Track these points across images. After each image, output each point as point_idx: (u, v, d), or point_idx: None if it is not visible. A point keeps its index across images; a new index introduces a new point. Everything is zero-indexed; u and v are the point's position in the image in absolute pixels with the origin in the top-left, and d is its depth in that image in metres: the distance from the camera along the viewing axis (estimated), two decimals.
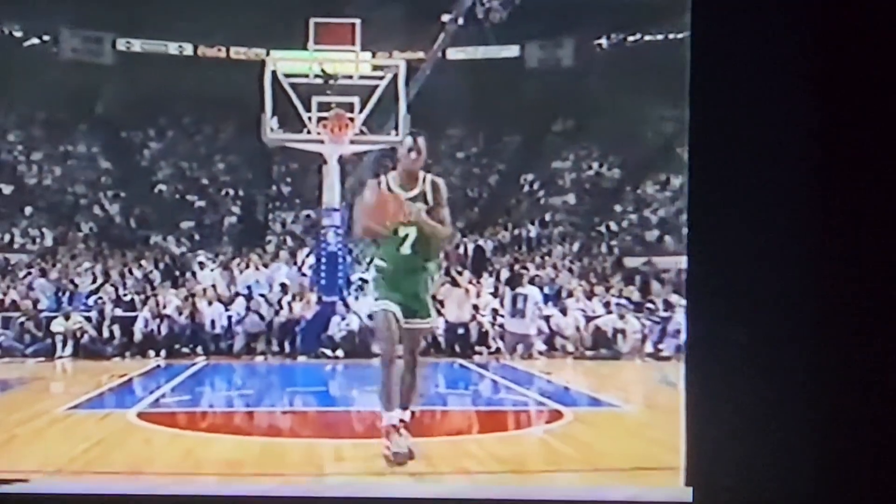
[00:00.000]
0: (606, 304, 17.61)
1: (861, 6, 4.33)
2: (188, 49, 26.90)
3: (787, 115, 4.37)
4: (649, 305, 17.65)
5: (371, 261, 8.03)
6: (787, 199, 4.37)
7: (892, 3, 4.33)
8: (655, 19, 22.17)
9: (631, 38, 23.72)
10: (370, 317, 8.03)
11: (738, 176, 4.41)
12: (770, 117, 4.39)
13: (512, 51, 26.08)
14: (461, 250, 21.14)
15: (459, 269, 19.22)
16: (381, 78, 19.30)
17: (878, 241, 4.31)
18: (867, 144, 4.31)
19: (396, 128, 19.02)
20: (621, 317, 16.79)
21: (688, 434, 4.43)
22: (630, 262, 20.99)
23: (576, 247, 22.38)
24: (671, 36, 22.16)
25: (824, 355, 4.31)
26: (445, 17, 21.96)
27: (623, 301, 17.67)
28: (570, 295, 18.30)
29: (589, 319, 17.45)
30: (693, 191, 4.47)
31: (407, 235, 7.10)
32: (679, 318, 17.12)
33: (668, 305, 17.14)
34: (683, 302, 17.56)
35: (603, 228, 23.12)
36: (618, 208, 23.69)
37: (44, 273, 19.82)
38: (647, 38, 23.24)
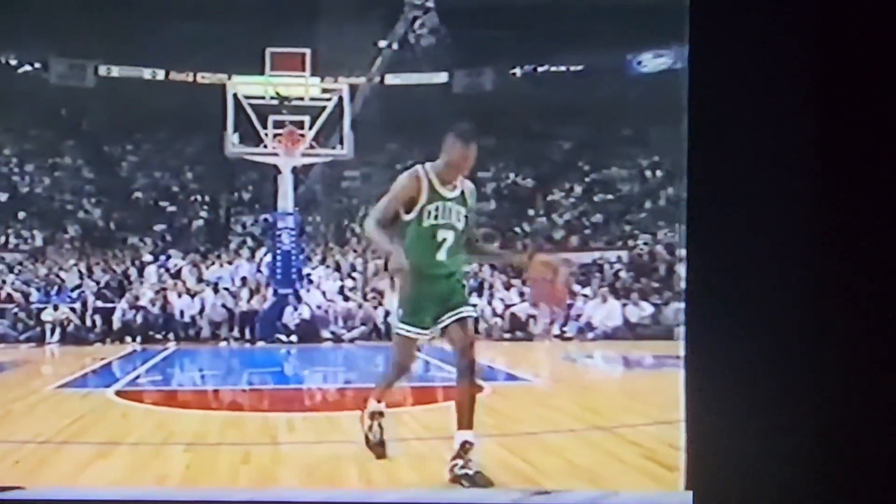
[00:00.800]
0: (521, 294, 17.74)
1: (857, 11, 3.89)
2: (160, 74, 26.68)
3: (785, 115, 3.94)
4: None
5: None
6: (786, 199, 3.96)
7: (889, 5, 3.91)
8: (559, 53, 22.37)
9: (540, 69, 23.86)
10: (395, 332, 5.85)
11: (737, 177, 3.98)
12: (767, 117, 3.96)
13: (441, 77, 26.15)
14: None
15: None
16: (329, 100, 19.43)
17: (877, 243, 3.91)
18: (864, 143, 3.90)
19: (341, 142, 19.34)
20: (533, 304, 16.90)
21: (687, 438, 4.05)
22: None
23: (496, 245, 22.46)
24: (572, 68, 22.36)
25: (824, 359, 3.92)
26: (382, 43, 22.01)
27: None
28: (492, 287, 18.46)
29: (507, 307, 17.61)
30: (692, 192, 4.01)
31: (445, 240, 5.66)
32: (580, 305, 17.39)
33: (572, 294, 17.27)
34: (585, 290, 17.64)
35: (518, 230, 23.24)
36: (530, 212, 23.81)
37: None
38: (552, 69, 23.39)
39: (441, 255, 5.65)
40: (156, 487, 5.46)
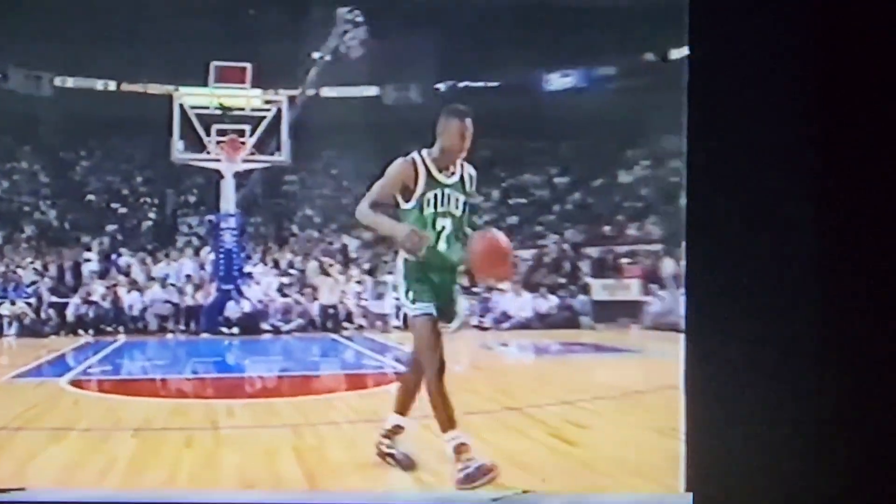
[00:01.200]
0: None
1: (856, 12, 3.72)
2: (112, 85, 26.24)
3: (783, 115, 3.75)
4: (474, 289, 17.95)
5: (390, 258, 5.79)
6: (786, 199, 3.75)
7: (888, 5, 3.74)
8: (479, 70, 22.51)
9: (460, 85, 23.95)
10: (404, 322, 5.40)
11: (736, 179, 3.78)
12: (766, 117, 3.76)
13: (373, 91, 26.11)
14: (334, 246, 21.12)
15: (331, 261, 19.23)
16: (268, 110, 19.37)
17: (877, 243, 3.72)
18: (863, 143, 3.72)
19: (280, 149, 19.34)
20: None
21: (687, 440, 3.86)
22: None
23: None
24: (489, 84, 22.50)
25: (825, 360, 3.71)
26: (315, 55, 21.94)
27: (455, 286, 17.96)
28: None
29: None
30: (691, 192, 3.81)
31: (443, 228, 5.09)
32: (497, 298, 17.55)
33: (489, 288, 17.43)
34: (502, 285, 17.70)
35: None
36: None
37: None
38: (471, 84, 23.50)
39: (441, 246, 5.09)
40: (155, 489, 5.26)
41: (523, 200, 22.58)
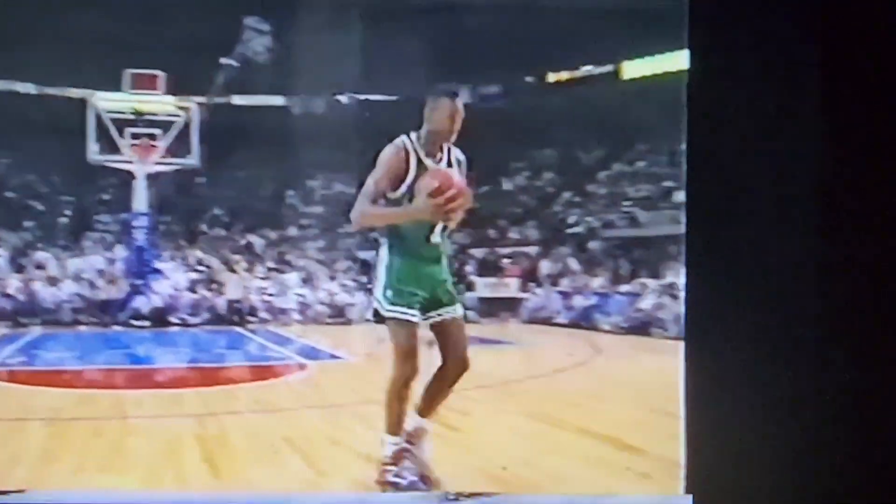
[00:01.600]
0: (343, 286, 17.80)
1: (857, 12, 3.50)
2: (33, 89, 25.36)
3: (783, 114, 3.53)
4: (369, 286, 18.00)
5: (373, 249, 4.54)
6: (785, 199, 3.54)
7: (889, 5, 3.53)
8: (378, 84, 22.47)
9: (361, 97, 23.86)
10: (375, 315, 4.47)
11: (736, 181, 3.54)
12: (767, 116, 3.54)
13: (279, 100, 25.81)
14: (240, 244, 20.86)
15: (237, 258, 19.03)
16: (180, 116, 19.08)
17: (877, 244, 3.51)
18: (864, 142, 3.51)
19: (190, 153, 18.95)
20: (351, 293, 16.99)
21: (687, 441, 3.63)
22: (361, 254, 21.14)
23: (323, 244, 22.38)
24: (389, 97, 22.46)
25: (825, 362, 3.50)
26: (224, 61, 21.58)
27: (352, 283, 17.98)
28: (317, 279, 18.46)
29: (331, 296, 17.63)
30: (691, 192, 3.56)
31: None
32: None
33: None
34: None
35: (341, 230, 23.18)
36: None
37: None
38: (369, 97, 23.44)
39: (435, 237, 4.48)
40: (155, 490, 5.01)
41: None
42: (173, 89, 19.81)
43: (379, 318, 4.33)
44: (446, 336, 4.45)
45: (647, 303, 13.57)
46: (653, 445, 5.06)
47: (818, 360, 3.53)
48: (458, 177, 4.45)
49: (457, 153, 4.53)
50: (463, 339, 4.48)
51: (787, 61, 3.57)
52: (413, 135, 4.46)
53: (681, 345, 3.65)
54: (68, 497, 4.61)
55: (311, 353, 11.77)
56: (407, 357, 4.33)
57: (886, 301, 3.54)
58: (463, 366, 4.42)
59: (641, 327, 13.43)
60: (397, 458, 4.44)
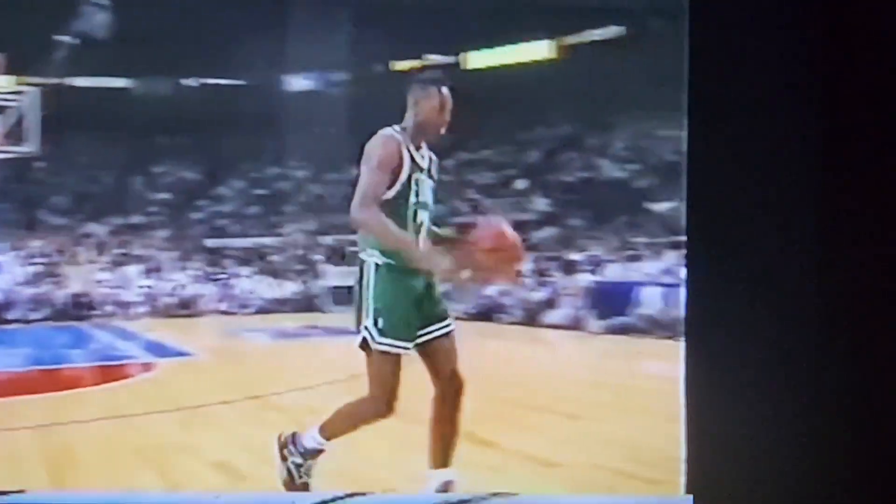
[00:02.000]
0: (193, 276, 17.53)
1: (858, 11, 3.42)
2: None
3: (783, 113, 3.43)
4: (221, 275, 17.84)
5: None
6: (785, 199, 3.45)
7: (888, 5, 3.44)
8: (223, 68, 22.13)
9: (205, 81, 23.32)
10: (364, 341, 3.76)
11: (735, 175, 3.44)
12: (767, 115, 3.44)
13: (121, 82, 25.02)
14: (81, 234, 20.20)
15: (79, 249, 18.44)
16: (16, 100, 18.16)
17: (878, 244, 3.44)
18: (865, 142, 3.43)
19: (29, 138, 18.08)
20: (200, 284, 16.80)
21: (688, 442, 3.52)
22: (209, 243, 20.80)
23: (169, 232, 21.87)
24: (233, 82, 22.18)
25: (826, 363, 3.41)
26: (63, 39, 20.62)
27: (201, 272, 17.76)
28: (164, 269, 18.12)
29: (179, 288, 17.33)
30: (691, 192, 3.42)
31: (422, 223, 3.81)
32: (241, 282, 17.46)
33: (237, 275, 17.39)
34: (245, 271, 17.47)
35: (192, 218, 22.72)
36: (198, 203, 23.27)
37: None
38: (216, 81, 22.95)
39: (421, 244, 3.81)
40: (154, 490, 4.75)
41: (264, 191, 22.43)
42: (9, 70, 18.87)
43: (366, 346, 3.77)
44: (435, 352, 3.88)
45: (492, 289, 13.97)
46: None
47: (818, 359, 3.48)
48: (510, 229, 3.82)
49: (431, 154, 3.93)
50: (454, 350, 3.92)
51: (788, 61, 3.51)
52: (397, 126, 3.84)
53: (681, 345, 3.58)
54: (68, 497, 4.43)
55: (158, 350, 11.51)
56: (390, 396, 3.78)
57: (886, 301, 3.47)
58: (460, 380, 3.90)
59: (486, 314, 13.90)
60: (313, 455, 3.97)
